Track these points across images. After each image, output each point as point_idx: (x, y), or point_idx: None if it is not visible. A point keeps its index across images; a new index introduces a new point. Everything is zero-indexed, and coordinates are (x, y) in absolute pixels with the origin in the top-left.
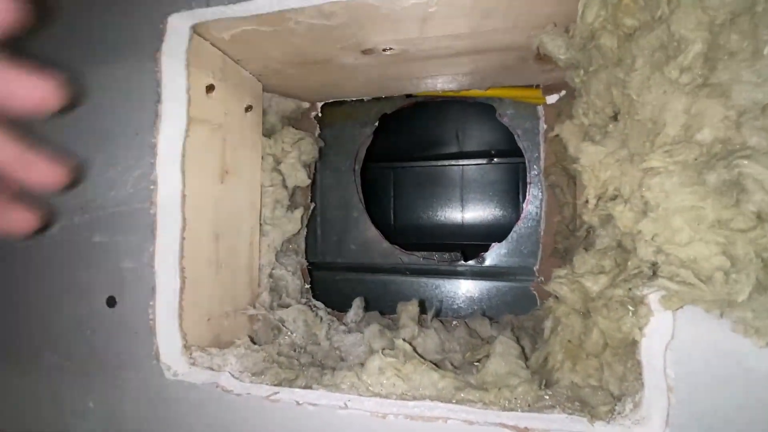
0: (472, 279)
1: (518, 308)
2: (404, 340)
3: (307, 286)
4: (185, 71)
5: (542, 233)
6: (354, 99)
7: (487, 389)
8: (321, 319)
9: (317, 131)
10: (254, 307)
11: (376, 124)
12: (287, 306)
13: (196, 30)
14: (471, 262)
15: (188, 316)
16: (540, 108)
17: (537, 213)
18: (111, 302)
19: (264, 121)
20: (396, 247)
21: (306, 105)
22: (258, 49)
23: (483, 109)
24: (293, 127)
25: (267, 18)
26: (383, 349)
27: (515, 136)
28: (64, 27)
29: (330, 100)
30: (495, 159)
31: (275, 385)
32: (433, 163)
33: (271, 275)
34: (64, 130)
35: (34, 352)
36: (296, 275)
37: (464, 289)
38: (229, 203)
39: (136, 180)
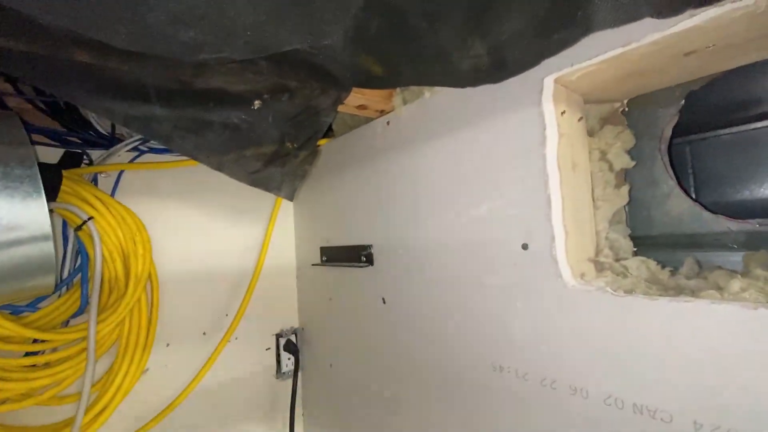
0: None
1: None
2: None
3: (635, 249)
4: (553, 107)
5: None
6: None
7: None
8: (663, 266)
9: (625, 122)
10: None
11: (682, 102)
12: (625, 259)
13: (556, 81)
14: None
15: (570, 255)
16: None
17: None
18: (525, 247)
19: (587, 125)
20: (720, 215)
21: (617, 105)
22: (590, 79)
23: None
24: (609, 123)
25: (606, 61)
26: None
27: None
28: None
29: (636, 95)
30: None
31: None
32: (748, 126)
33: (607, 237)
34: (489, 150)
35: (479, 281)
36: (626, 239)
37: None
38: (577, 186)
39: (536, 174)
